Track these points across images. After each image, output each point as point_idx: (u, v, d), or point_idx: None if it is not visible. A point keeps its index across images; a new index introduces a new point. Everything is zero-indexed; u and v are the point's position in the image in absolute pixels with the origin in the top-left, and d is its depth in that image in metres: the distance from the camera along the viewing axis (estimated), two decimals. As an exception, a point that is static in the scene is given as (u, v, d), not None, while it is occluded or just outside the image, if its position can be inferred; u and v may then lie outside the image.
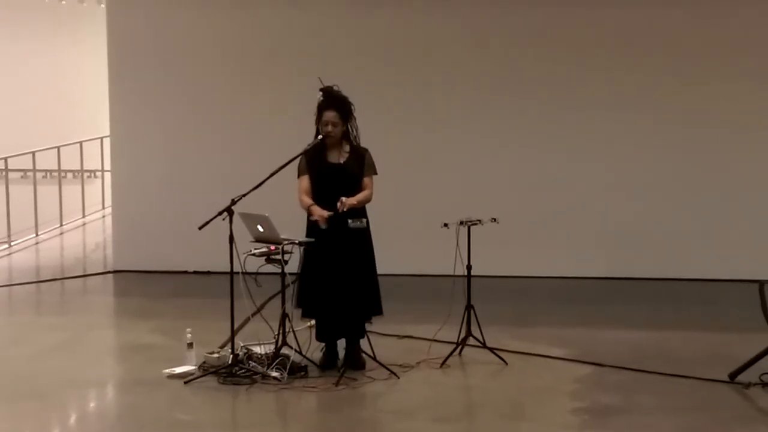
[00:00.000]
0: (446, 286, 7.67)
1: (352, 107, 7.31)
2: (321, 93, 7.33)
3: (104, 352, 8.40)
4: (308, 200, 7.22)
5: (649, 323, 9.05)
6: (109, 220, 13.76)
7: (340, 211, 7.00)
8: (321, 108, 7.27)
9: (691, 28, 11.00)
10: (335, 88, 7.31)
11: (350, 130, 7.34)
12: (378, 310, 7.42)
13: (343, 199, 7.03)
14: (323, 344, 7.41)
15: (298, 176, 7.33)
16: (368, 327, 7.41)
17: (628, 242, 11.10)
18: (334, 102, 7.25)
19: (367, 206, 7.32)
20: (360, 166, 7.28)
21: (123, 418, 6.52)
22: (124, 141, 11.77)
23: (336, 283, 7.15)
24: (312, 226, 7.22)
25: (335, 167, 7.27)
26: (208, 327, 8.13)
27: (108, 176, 13.88)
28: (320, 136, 7.24)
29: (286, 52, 11.43)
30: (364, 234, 7.18)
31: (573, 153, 11.18)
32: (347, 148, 7.32)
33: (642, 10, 11.02)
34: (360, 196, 7.18)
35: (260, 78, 11.47)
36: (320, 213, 7.08)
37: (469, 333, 7.57)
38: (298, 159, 7.31)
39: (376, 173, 7.35)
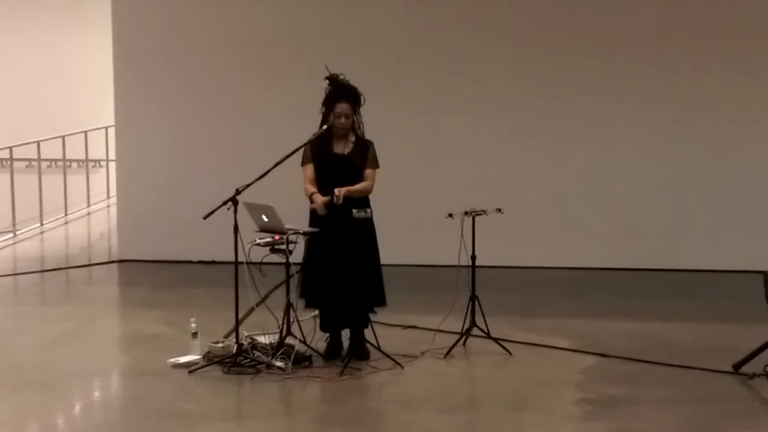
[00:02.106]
0: (451, 276, 7.66)
1: (359, 100, 7.27)
2: (328, 82, 7.25)
3: (109, 342, 8.42)
4: (312, 188, 7.20)
5: (654, 314, 9.04)
6: (113, 209, 13.79)
7: (336, 203, 6.99)
8: (333, 99, 7.20)
9: (704, 21, 10.99)
10: (341, 77, 7.26)
11: (356, 120, 7.31)
12: (381, 301, 7.41)
13: (337, 191, 7.01)
14: (327, 334, 7.42)
15: (302, 164, 7.30)
16: (372, 317, 7.40)
17: (633, 233, 11.10)
18: (346, 93, 7.19)
19: (372, 196, 7.30)
20: (363, 157, 7.26)
21: (127, 407, 6.53)
22: (128, 131, 11.78)
23: (340, 273, 7.14)
24: (314, 216, 7.21)
25: (339, 157, 7.25)
26: (212, 317, 8.15)
27: (113, 166, 13.89)
28: (325, 126, 7.22)
29: (290, 43, 11.43)
30: (368, 224, 7.16)
31: (579, 144, 11.18)
32: (353, 138, 7.29)
33: (653, 4, 10.99)
34: (358, 186, 7.15)
35: (265, 68, 11.48)
36: (318, 200, 7.06)
37: (473, 323, 7.56)
38: (303, 147, 7.28)
39: (378, 167, 7.31)
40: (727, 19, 10.94)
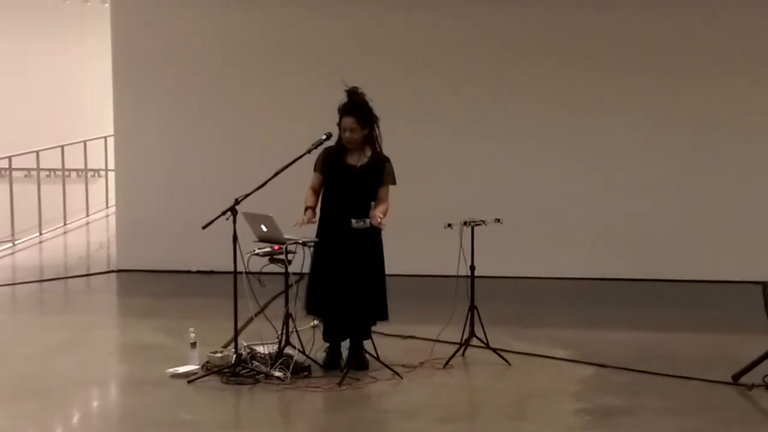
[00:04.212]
0: (449, 286, 7.66)
1: (369, 114, 7.21)
2: (346, 94, 7.29)
3: (107, 352, 8.41)
4: (309, 200, 7.23)
5: (652, 324, 9.04)
6: (112, 219, 13.77)
7: (379, 225, 7.02)
8: (340, 113, 7.23)
9: (695, 28, 10.99)
10: (359, 90, 7.24)
11: (373, 135, 7.29)
12: (383, 315, 7.40)
13: (378, 218, 7.02)
14: (327, 344, 7.41)
15: (314, 170, 7.33)
16: (372, 328, 7.41)
17: (632, 243, 11.09)
18: (352, 108, 7.19)
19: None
20: (377, 173, 7.25)
21: (126, 417, 6.53)
22: (127, 140, 11.77)
23: (342, 283, 7.13)
24: (321, 225, 7.25)
25: (350, 169, 7.24)
26: (211, 326, 8.13)
27: (112, 175, 13.88)
28: (324, 136, 7.24)
29: (290, 52, 11.43)
30: (373, 235, 7.14)
31: (577, 154, 11.18)
32: (369, 152, 7.29)
33: (644, 11, 11.02)
34: (381, 211, 7.16)
35: (264, 78, 11.48)
36: (302, 218, 7.11)
37: (472, 333, 7.56)
38: (318, 152, 7.29)
39: (394, 183, 7.34)
40: (728, 27, 10.94)
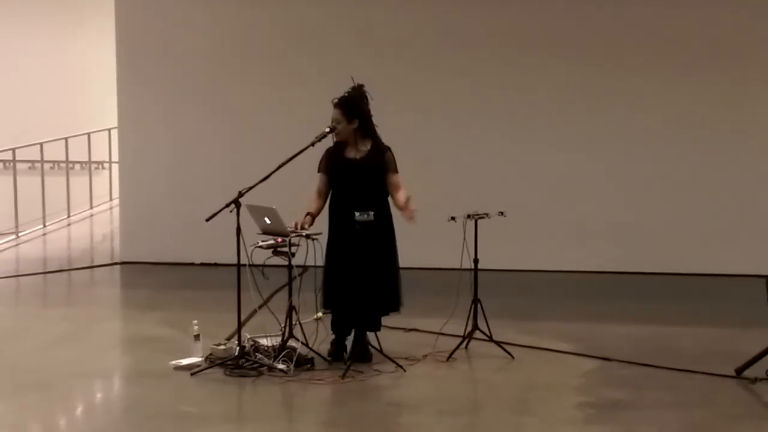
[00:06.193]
0: (453, 279, 7.66)
1: (357, 106, 7.24)
2: None
3: (111, 344, 8.41)
4: (311, 206, 7.28)
5: (656, 318, 9.04)
6: (116, 211, 13.79)
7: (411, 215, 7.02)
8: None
9: (696, 26, 10.99)
10: (362, 87, 7.31)
11: (369, 127, 7.29)
12: (395, 306, 7.41)
13: (408, 211, 7.04)
14: (332, 336, 7.41)
15: (318, 171, 7.38)
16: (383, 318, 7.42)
17: (636, 237, 11.09)
18: (338, 101, 7.26)
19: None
20: (378, 163, 7.26)
21: (129, 409, 6.53)
22: (131, 132, 11.79)
23: (353, 275, 7.12)
24: (332, 219, 7.29)
25: (351, 162, 7.27)
26: (214, 319, 8.13)
27: (116, 168, 13.90)
28: (327, 128, 7.25)
29: (294, 46, 11.44)
30: (380, 226, 7.13)
31: (582, 148, 11.18)
32: (367, 144, 7.30)
33: (647, 8, 11.01)
34: (403, 195, 7.17)
35: (268, 70, 11.48)
36: (298, 221, 7.15)
37: (475, 326, 7.56)
38: (321, 153, 7.34)
39: (396, 170, 7.33)
40: (726, 21, 10.94)
